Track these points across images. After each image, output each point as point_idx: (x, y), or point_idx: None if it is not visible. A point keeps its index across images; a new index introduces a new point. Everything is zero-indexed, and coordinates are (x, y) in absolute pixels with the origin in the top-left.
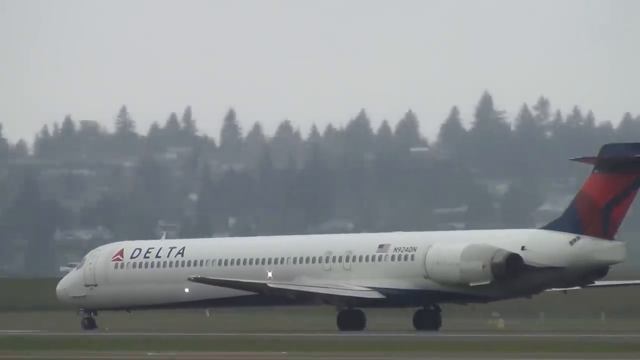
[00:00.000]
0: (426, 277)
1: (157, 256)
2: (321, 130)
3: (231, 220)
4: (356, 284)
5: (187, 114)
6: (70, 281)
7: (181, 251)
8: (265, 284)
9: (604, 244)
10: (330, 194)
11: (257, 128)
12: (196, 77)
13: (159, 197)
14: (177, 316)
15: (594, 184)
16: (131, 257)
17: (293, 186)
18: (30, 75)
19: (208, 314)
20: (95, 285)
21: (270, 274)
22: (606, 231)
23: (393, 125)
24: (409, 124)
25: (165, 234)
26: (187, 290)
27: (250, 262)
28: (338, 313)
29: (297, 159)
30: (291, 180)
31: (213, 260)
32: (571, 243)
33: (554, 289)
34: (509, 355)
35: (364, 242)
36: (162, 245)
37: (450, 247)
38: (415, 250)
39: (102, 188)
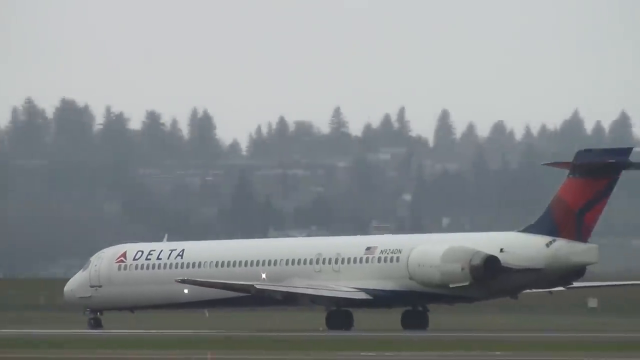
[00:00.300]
0: (410, 278)
1: (158, 258)
2: (535, 130)
3: (445, 221)
4: (344, 285)
5: (401, 114)
6: (76, 282)
7: (181, 253)
8: (252, 285)
9: (579, 246)
10: (543, 194)
11: (470, 128)
12: (410, 78)
13: (372, 197)
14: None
15: (569, 188)
16: (133, 259)
17: (507, 186)
18: (244, 76)
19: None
20: (100, 286)
21: (264, 275)
22: (580, 234)
23: (606, 125)
24: (623, 124)
25: (166, 236)
26: (186, 291)
27: (245, 264)
28: (327, 313)
29: (510, 159)
30: (505, 181)
31: (210, 262)
32: (547, 245)
33: (537, 290)
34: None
35: (353, 244)
36: (163, 247)
37: (432, 249)
38: (400, 252)
39: (316, 188)
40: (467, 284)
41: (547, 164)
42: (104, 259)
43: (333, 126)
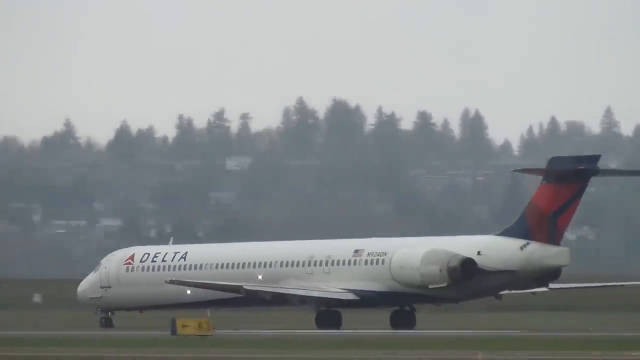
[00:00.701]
0: (393, 279)
1: (162, 260)
2: None
3: None
4: (334, 286)
5: None
6: (88, 283)
7: (184, 256)
8: (241, 286)
9: (551, 249)
10: None
11: None
12: None
13: None
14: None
15: (542, 193)
16: (140, 261)
17: None
18: (515, 77)
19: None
20: (109, 287)
21: (260, 277)
22: (553, 237)
23: None
24: None
25: (172, 239)
26: (189, 292)
27: (243, 266)
28: (316, 313)
29: None
30: None
31: (211, 264)
32: (521, 248)
33: (517, 291)
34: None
35: (342, 247)
36: (168, 250)
37: (412, 252)
38: (385, 255)
39: (589, 188)
40: (445, 285)
41: (518, 170)
42: (113, 261)
43: (604, 126)
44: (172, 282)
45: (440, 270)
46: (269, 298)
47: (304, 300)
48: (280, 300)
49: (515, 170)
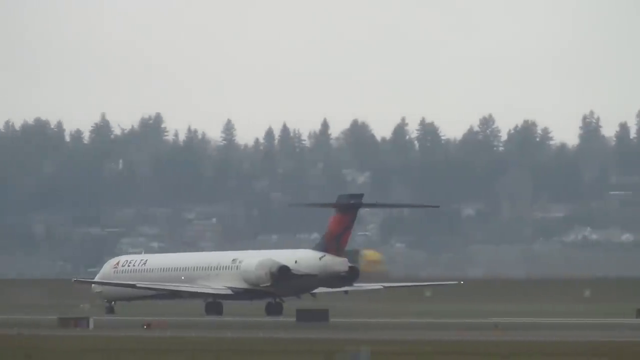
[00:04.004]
0: (244, 280)
1: (133, 265)
2: None
3: None
4: (221, 285)
5: None
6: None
7: (144, 262)
8: (134, 284)
9: (337, 259)
10: None
11: None
12: None
13: None
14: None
15: (333, 220)
16: (122, 266)
17: None
18: None
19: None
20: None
21: (183, 277)
22: (339, 251)
23: None
24: None
25: (143, 250)
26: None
27: (176, 270)
28: (205, 303)
29: None
30: None
31: (159, 268)
32: (320, 259)
33: (333, 290)
34: None
35: (227, 257)
36: (139, 258)
37: (251, 261)
38: (241, 262)
39: None
40: (269, 284)
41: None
42: (107, 266)
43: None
44: (76, 281)
45: (265, 274)
46: (168, 294)
47: (192, 295)
48: (178, 295)
49: (291, 205)
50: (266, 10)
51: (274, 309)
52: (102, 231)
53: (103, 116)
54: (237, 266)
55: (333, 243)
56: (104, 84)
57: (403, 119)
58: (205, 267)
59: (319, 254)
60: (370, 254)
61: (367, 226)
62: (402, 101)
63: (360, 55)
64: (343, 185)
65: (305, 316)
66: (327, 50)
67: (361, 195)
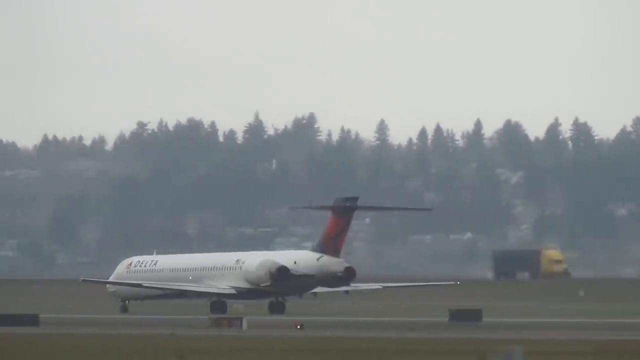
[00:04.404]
0: (246, 280)
1: (145, 266)
2: None
3: None
4: (225, 284)
5: None
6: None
7: (155, 262)
8: (140, 284)
9: (334, 260)
10: None
11: None
12: None
13: None
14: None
15: (330, 222)
16: (134, 267)
17: None
18: None
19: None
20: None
21: (190, 277)
22: (336, 252)
23: None
24: None
25: (155, 251)
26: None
27: (184, 270)
28: (210, 302)
29: None
30: None
31: (169, 269)
32: (317, 260)
33: (333, 290)
34: None
35: (231, 258)
36: (150, 259)
37: (252, 262)
38: (243, 263)
39: None
40: (269, 284)
41: (291, 207)
42: (121, 266)
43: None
44: (84, 280)
45: (265, 274)
46: (172, 293)
47: (198, 295)
48: (183, 294)
49: (293, 207)
50: (424, 12)
51: (276, 308)
52: (255, 231)
53: (256, 116)
54: (240, 267)
55: (330, 244)
56: (258, 83)
57: (556, 119)
58: (211, 268)
59: (317, 255)
60: (551, 254)
61: (520, 226)
62: (555, 101)
63: (513, 56)
64: (497, 185)
65: (458, 316)
66: (481, 52)
67: (356, 199)
